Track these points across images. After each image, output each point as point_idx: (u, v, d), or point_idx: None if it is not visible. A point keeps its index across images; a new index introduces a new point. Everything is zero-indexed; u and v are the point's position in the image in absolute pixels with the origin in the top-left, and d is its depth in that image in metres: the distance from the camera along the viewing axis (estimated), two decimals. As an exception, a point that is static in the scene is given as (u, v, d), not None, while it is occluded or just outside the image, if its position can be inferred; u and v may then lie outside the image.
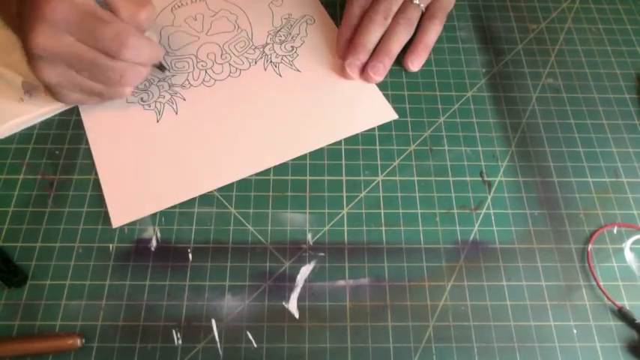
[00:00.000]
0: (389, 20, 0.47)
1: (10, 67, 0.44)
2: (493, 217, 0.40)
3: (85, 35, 0.37)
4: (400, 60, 0.48)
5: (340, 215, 0.40)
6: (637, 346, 0.35)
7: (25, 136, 0.43)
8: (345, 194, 0.41)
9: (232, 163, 0.42)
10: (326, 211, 0.40)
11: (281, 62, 0.48)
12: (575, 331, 0.36)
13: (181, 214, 0.40)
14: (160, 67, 0.45)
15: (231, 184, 0.41)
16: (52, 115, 0.44)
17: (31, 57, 0.38)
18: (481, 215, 0.40)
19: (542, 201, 0.41)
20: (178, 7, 0.51)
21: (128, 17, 0.39)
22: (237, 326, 0.35)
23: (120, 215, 0.39)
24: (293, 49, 0.48)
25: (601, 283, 0.37)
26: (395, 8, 0.47)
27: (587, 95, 0.47)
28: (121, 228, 0.39)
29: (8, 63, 0.44)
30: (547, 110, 0.46)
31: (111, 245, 0.38)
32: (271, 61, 0.48)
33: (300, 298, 0.37)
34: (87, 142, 0.43)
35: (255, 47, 0.49)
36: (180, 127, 0.44)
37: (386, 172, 0.42)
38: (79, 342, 0.34)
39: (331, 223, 0.40)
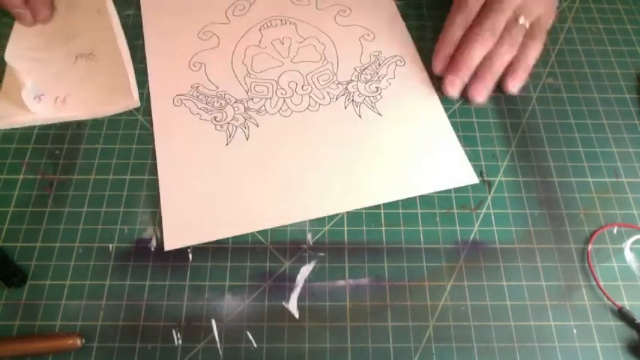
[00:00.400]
0: (495, 38, 0.45)
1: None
2: (493, 217, 0.40)
3: None
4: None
5: (340, 215, 0.40)
6: (637, 346, 0.35)
7: (25, 136, 0.43)
8: (345, 194, 0.41)
9: (296, 202, 0.40)
10: (326, 211, 0.40)
11: (363, 102, 0.45)
12: (575, 331, 0.36)
13: (181, 214, 0.40)
14: None
15: (231, 184, 0.41)
16: (54, 121, 0.44)
17: None
18: (481, 215, 0.40)
19: (542, 201, 0.41)
20: (267, 27, 0.50)
21: None
22: (237, 326, 0.35)
23: (174, 239, 0.38)
24: (378, 90, 0.46)
25: (601, 283, 0.37)
26: (501, 27, 0.45)
27: (587, 95, 0.47)
28: (121, 228, 0.39)
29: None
30: (547, 110, 0.46)
31: (111, 245, 0.38)
32: (353, 100, 0.45)
33: (300, 298, 0.37)
34: (87, 142, 0.43)
35: (339, 82, 0.46)
36: (250, 154, 0.42)
37: (386, 172, 0.42)
38: (79, 342, 0.34)
39: (331, 223, 0.40)
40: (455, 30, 0.46)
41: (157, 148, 0.42)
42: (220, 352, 0.35)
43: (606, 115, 0.46)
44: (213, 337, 0.35)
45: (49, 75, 0.46)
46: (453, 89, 0.45)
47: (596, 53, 0.50)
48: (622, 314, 0.36)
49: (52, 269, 0.37)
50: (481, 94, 0.45)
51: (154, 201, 0.40)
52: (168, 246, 0.38)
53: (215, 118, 0.44)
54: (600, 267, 0.38)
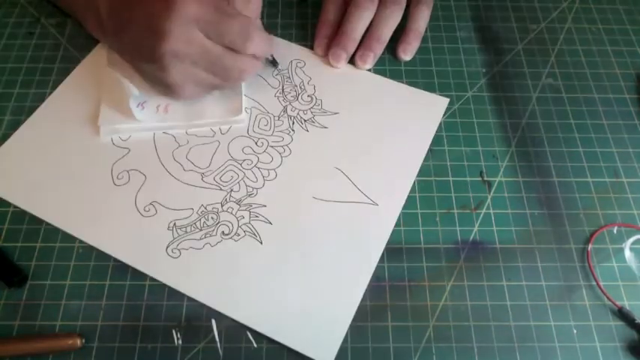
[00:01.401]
0: (375, 4, 0.46)
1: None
2: (493, 217, 0.40)
3: (211, 31, 0.37)
4: (392, 52, 0.48)
5: (340, 215, 0.40)
6: (637, 346, 0.35)
7: (25, 136, 0.43)
8: (345, 194, 0.41)
9: None
10: (326, 211, 0.40)
11: (311, 118, 0.44)
12: (575, 331, 0.36)
13: (181, 214, 0.40)
14: (273, 62, 0.45)
15: (231, 184, 0.41)
16: (156, 130, 0.43)
17: (159, 60, 0.37)
18: (481, 215, 0.40)
19: (542, 201, 0.41)
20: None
21: (242, 6, 0.39)
22: (237, 326, 0.35)
23: None
24: (312, 100, 0.45)
25: (601, 283, 0.37)
26: None
27: (587, 95, 0.47)
28: (121, 228, 0.39)
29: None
30: (547, 110, 0.46)
31: (111, 245, 0.38)
32: (302, 119, 0.44)
33: (300, 298, 0.37)
34: (87, 142, 0.43)
35: (277, 117, 0.44)
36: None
37: (386, 172, 0.42)
38: (79, 342, 0.34)
39: (331, 223, 0.40)
40: (329, 7, 0.48)
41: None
42: (220, 352, 0.35)
43: (606, 115, 0.46)
44: (213, 337, 0.35)
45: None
46: (337, 62, 0.46)
47: (596, 53, 0.50)
48: (622, 314, 0.36)
49: (52, 269, 0.37)
50: (365, 61, 0.46)
51: (154, 201, 0.40)
52: None
53: (223, 232, 0.39)
54: (600, 267, 0.38)
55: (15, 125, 0.43)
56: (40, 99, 0.44)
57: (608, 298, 0.37)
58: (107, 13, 0.41)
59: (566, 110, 0.46)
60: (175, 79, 0.39)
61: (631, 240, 0.39)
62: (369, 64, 0.47)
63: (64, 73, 0.46)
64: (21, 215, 0.39)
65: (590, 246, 0.39)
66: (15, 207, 0.39)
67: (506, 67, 0.48)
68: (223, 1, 0.38)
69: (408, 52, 0.47)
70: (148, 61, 0.39)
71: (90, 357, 0.34)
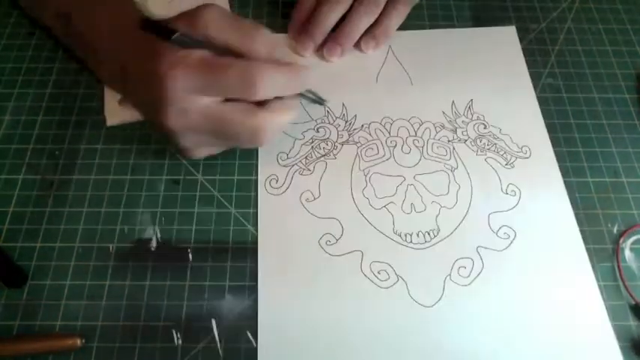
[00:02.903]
0: (350, 0, 0.46)
1: None
2: (493, 217, 0.40)
3: (209, 90, 0.33)
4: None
5: (340, 215, 0.40)
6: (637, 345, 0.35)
7: (25, 136, 0.43)
8: (345, 194, 0.41)
9: None
10: (326, 211, 0.40)
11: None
12: (575, 331, 0.36)
13: (181, 214, 0.40)
14: (318, 100, 0.43)
15: (231, 184, 0.41)
16: None
17: (165, 133, 0.36)
18: (481, 215, 0.40)
19: (543, 201, 0.41)
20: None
21: (265, 54, 0.35)
22: (237, 326, 0.35)
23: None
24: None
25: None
26: None
27: (587, 95, 0.47)
28: (121, 228, 0.39)
29: None
30: (547, 110, 0.46)
31: (111, 245, 0.38)
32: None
33: (300, 298, 0.37)
34: (87, 142, 0.43)
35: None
36: None
37: (386, 172, 0.42)
38: (79, 342, 0.34)
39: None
40: None
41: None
42: (220, 352, 0.35)
43: (606, 115, 0.46)
44: (213, 337, 0.35)
45: None
46: (304, 50, 0.46)
47: (596, 53, 0.49)
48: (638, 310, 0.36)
49: (52, 269, 0.37)
50: (333, 54, 0.46)
51: (154, 201, 0.40)
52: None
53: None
54: (600, 267, 0.38)
55: (15, 125, 0.43)
56: (40, 99, 0.45)
57: (629, 293, 0.37)
58: (109, 81, 0.41)
59: (566, 110, 0.46)
60: (187, 147, 0.37)
61: (631, 240, 0.39)
62: (336, 59, 0.46)
63: (64, 73, 0.46)
64: (21, 215, 0.39)
65: (621, 244, 0.39)
66: (15, 207, 0.39)
67: (506, 67, 0.48)
68: (211, 54, 0.34)
69: (370, 48, 0.47)
70: (157, 130, 0.38)
71: (90, 357, 0.34)
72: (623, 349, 0.35)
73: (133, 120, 0.43)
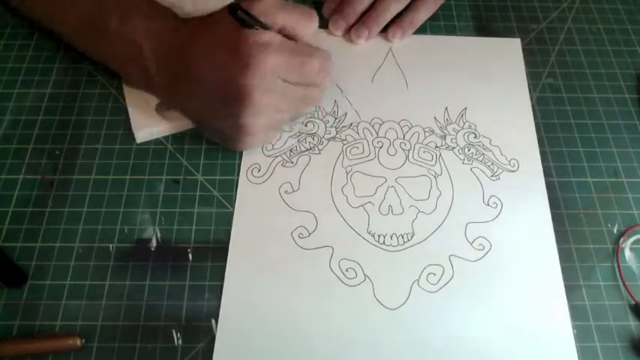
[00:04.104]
0: None
1: None
2: (493, 217, 0.40)
3: (292, 76, 0.37)
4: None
5: (340, 215, 0.40)
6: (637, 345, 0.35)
7: (25, 135, 0.43)
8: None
9: None
10: (326, 211, 0.40)
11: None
12: (575, 331, 0.36)
13: (181, 214, 0.40)
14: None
15: (231, 184, 0.41)
16: (183, 129, 0.43)
17: (237, 119, 0.36)
18: (481, 215, 0.40)
19: (543, 201, 0.41)
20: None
21: (310, 37, 0.38)
22: (237, 326, 0.35)
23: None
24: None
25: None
26: None
27: (587, 95, 0.47)
28: (121, 228, 0.39)
29: None
30: (547, 110, 0.46)
31: (111, 245, 0.38)
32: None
33: (300, 298, 0.37)
34: (87, 142, 0.43)
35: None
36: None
37: (386, 172, 0.42)
38: (79, 342, 0.34)
39: (331, 223, 0.40)
40: None
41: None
42: (220, 352, 0.35)
43: (606, 115, 0.46)
44: (213, 337, 0.35)
45: None
46: (336, 29, 0.48)
47: (596, 53, 0.49)
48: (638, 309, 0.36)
49: (52, 269, 0.37)
50: (360, 36, 0.47)
51: (154, 201, 0.40)
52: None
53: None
54: (600, 267, 0.38)
55: (15, 125, 0.43)
56: (40, 99, 0.45)
57: (629, 293, 0.37)
58: (158, 69, 0.38)
59: (566, 110, 0.46)
60: (250, 134, 0.38)
61: (631, 240, 0.39)
62: (363, 41, 0.48)
63: (64, 73, 0.46)
64: (21, 215, 0.39)
65: (621, 244, 0.39)
66: (15, 207, 0.39)
67: (507, 67, 0.48)
68: (294, 43, 0.37)
69: (396, 37, 0.48)
70: (221, 118, 0.38)
71: (90, 357, 0.34)
72: (623, 349, 0.35)
73: (162, 135, 0.42)
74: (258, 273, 0.37)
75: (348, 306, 0.36)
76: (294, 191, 0.40)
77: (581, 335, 0.36)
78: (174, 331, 0.35)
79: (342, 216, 0.39)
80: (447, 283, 0.37)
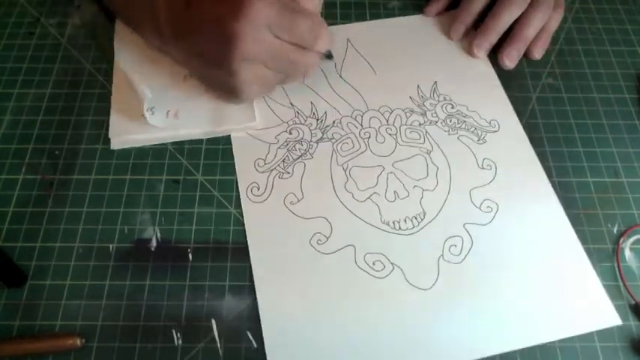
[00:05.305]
0: (526, 3, 0.46)
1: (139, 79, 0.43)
2: (493, 217, 0.40)
3: (281, 30, 0.37)
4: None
5: None
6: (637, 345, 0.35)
7: (25, 135, 0.43)
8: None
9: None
10: (326, 211, 0.40)
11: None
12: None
13: (181, 214, 0.40)
14: (328, 56, 0.44)
15: (231, 184, 0.41)
16: (169, 140, 0.43)
17: (228, 64, 0.37)
18: (481, 215, 0.40)
19: (543, 201, 0.41)
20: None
21: (306, 1, 0.38)
22: (237, 326, 0.35)
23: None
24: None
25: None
26: None
27: (587, 95, 0.47)
28: (121, 228, 0.39)
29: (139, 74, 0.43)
30: (547, 110, 0.46)
31: (111, 245, 0.38)
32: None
33: (300, 298, 0.37)
34: (87, 142, 0.43)
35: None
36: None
37: (386, 172, 0.42)
38: (79, 342, 0.34)
39: (331, 223, 0.40)
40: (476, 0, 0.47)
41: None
42: (220, 352, 0.35)
43: (606, 115, 0.46)
44: (213, 337, 0.35)
45: (157, 88, 0.43)
46: (480, 52, 0.47)
47: (596, 53, 0.50)
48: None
49: (52, 269, 0.37)
50: (512, 59, 0.47)
51: (154, 201, 0.40)
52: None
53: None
54: (600, 267, 0.38)
55: (15, 125, 0.43)
56: (40, 99, 0.45)
57: (629, 293, 0.37)
58: (166, 19, 0.39)
59: (566, 110, 0.46)
60: (243, 82, 0.38)
61: (631, 240, 0.39)
62: (514, 64, 0.47)
63: (64, 73, 0.46)
64: (21, 215, 0.39)
65: (621, 244, 0.39)
66: (15, 207, 0.39)
67: (507, 67, 0.48)
68: (291, 1, 0.37)
69: (540, 53, 0.48)
70: (215, 65, 0.38)
71: (90, 357, 0.34)
72: (623, 349, 0.35)
73: (138, 145, 0.42)
74: (290, 288, 0.36)
75: (385, 298, 0.36)
76: (299, 201, 0.40)
77: (581, 335, 0.36)
78: (174, 331, 0.35)
79: (353, 213, 0.39)
80: (469, 251, 0.38)
